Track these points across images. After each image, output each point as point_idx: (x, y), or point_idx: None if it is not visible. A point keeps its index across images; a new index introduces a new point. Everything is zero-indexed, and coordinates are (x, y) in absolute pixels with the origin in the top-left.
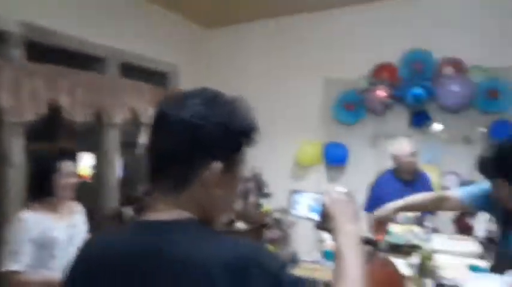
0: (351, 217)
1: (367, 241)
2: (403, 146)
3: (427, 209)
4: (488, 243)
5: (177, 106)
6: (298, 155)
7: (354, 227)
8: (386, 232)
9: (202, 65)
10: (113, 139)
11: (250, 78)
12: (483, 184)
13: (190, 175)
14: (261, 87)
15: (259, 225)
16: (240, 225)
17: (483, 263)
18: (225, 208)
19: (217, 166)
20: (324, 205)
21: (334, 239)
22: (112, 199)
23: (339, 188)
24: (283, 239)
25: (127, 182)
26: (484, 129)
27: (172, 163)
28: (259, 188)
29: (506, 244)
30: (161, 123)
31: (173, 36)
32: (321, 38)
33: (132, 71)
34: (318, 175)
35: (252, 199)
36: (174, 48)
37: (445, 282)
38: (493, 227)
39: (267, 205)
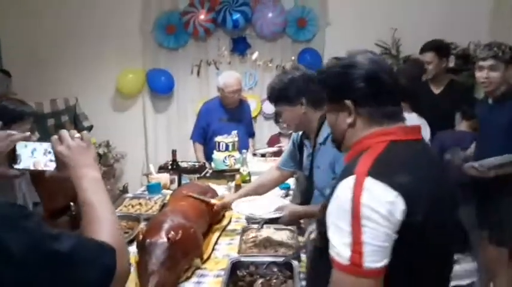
0: (91, 162)
1: (193, 169)
2: (230, 80)
3: (269, 189)
4: None
5: None
6: (119, 84)
7: (96, 173)
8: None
9: None
10: None
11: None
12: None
13: None
14: (70, 10)
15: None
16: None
17: (291, 181)
18: None
19: None
20: (58, 154)
21: (76, 186)
22: None
23: (73, 133)
24: (110, 174)
25: None
26: (294, 58)
27: None
28: (76, 122)
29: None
30: None
31: None
32: None
33: None
34: (143, 104)
35: None
36: None
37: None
38: None
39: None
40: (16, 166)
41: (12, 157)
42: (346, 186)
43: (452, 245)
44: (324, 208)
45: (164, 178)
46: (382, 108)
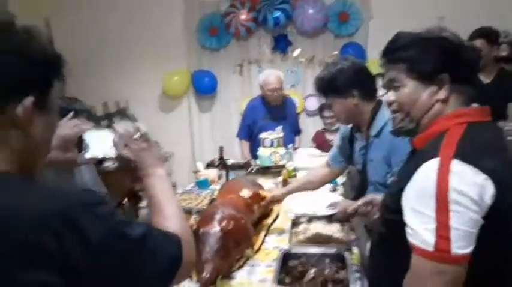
0: (155, 160)
1: (239, 165)
2: (269, 78)
3: (318, 186)
4: None
5: None
6: (166, 86)
7: (160, 170)
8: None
9: None
10: None
11: (103, 8)
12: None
13: None
14: (117, 17)
15: (131, 162)
16: (109, 164)
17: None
18: (43, 154)
19: (29, 100)
20: (127, 158)
21: (144, 183)
22: None
23: (132, 132)
24: None
25: None
26: (336, 53)
27: None
28: None
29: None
30: None
31: None
32: None
33: None
34: (188, 105)
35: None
36: None
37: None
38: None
39: None
40: (84, 155)
41: (80, 145)
42: (429, 170)
43: None
44: (393, 193)
45: (212, 174)
46: (469, 88)
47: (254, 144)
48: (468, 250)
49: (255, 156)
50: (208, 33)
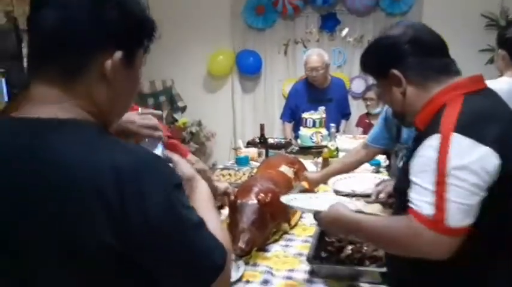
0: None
1: (280, 144)
2: (311, 57)
3: (354, 168)
4: None
5: None
6: (211, 65)
7: (206, 188)
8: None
9: None
10: None
11: None
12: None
13: (87, 61)
14: None
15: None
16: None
17: (381, 157)
18: (122, 109)
19: (118, 55)
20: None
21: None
22: None
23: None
24: (201, 152)
25: None
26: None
27: (63, 45)
28: (172, 101)
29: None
30: None
31: None
32: None
33: None
34: (232, 85)
35: (164, 113)
36: None
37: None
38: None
39: (182, 118)
40: None
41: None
42: (430, 145)
43: None
44: (401, 175)
45: (252, 152)
46: (432, 62)
47: (296, 125)
48: (464, 223)
49: (296, 137)
50: (254, 12)
